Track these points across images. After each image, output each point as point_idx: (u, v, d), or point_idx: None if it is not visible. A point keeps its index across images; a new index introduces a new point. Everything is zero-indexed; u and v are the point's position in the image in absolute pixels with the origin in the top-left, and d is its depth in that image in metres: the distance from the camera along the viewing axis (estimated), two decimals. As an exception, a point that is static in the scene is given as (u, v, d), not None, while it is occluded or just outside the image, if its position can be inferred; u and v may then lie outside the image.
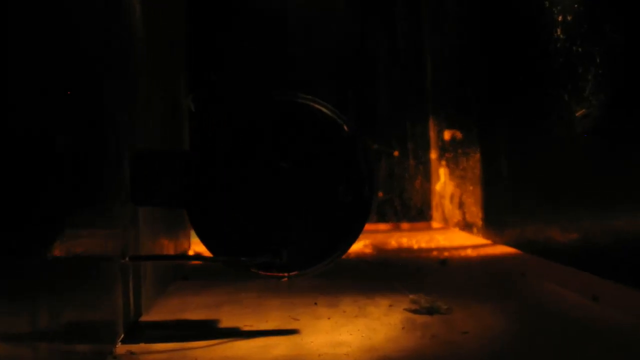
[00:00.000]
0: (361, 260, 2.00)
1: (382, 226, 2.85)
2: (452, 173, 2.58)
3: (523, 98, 1.77)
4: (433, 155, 2.82)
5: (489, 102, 2.11)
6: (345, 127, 1.14)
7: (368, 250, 2.19)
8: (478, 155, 2.23)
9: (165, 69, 1.80)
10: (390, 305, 1.34)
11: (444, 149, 2.66)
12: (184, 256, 1.17)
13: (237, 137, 1.13)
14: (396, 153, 2.88)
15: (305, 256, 1.15)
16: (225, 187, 1.13)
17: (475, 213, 2.31)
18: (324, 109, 1.14)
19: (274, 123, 1.13)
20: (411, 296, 1.34)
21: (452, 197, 2.59)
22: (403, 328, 1.18)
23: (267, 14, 2.80)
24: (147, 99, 1.42)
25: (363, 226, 1.17)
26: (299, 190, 1.13)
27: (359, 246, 2.22)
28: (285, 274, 1.15)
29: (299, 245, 1.14)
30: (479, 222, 2.28)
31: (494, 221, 2.17)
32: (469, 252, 2.08)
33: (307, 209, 1.14)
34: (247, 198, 1.13)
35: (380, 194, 2.86)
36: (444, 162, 2.70)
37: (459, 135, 2.43)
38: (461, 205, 2.47)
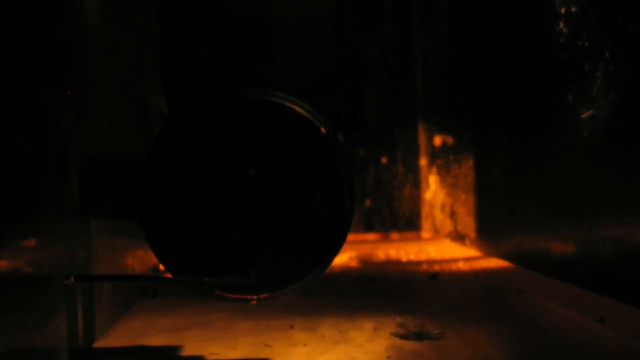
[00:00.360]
0: (345, 274, 1.86)
1: (369, 236, 2.71)
2: (443, 181, 2.45)
3: (522, 99, 1.64)
4: (423, 162, 2.69)
5: (483, 105, 1.98)
6: (323, 129, 1.00)
7: (353, 263, 2.05)
8: (471, 162, 2.10)
9: (133, 69, 1.66)
10: (375, 329, 1.21)
11: (435, 155, 2.53)
12: (139, 277, 1.03)
13: (199, 141, 0.99)
14: (384, 160, 2.74)
15: (277, 276, 1.01)
16: (185, 198, 0.99)
17: (467, 223, 2.18)
18: (298, 109, 1.00)
19: (241, 124, 1.00)
20: (398, 319, 1.21)
21: (442, 206, 2.46)
22: (389, 358, 1.04)
23: (250, 15, 2.67)
24: (105, 100, 1.28)
25: (343, 241, 1.03)
26: (270, 201, 1.00)
27: (343, 259, 2.08)
28: (254, 296, 1.01)
29: (269, 263, 1.01)
30: (472, 233, 2.15)
31: (488, 232, 2.04)
32: (461, 266, 1.95)
33: (279, 223, 1.00)
34: (210, 210, 0.99)
35: (368, 202, 2.72)
36: (434, 169, 2.57)
37: (450, 140, 2.30)
38: (452, 214, 2.34)
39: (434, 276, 1.75)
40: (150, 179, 0.99)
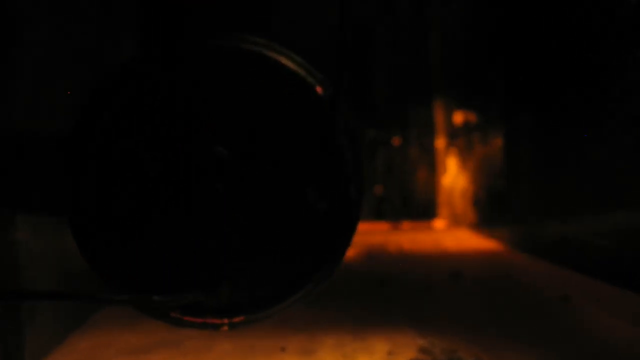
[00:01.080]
0: (352, 274, 1.59)
1: (380, 227, 2.43)
2: (464, 164, 2.16)
3: (573, 66, 1.35)
4: (440, 142, 2.40)
5: (521, 73, 1.69)
6: (319, 89, 0.72)
7: (361, 260, 1.78)
8: (500, 141, 1.80)
9: (87, 30, 1.38)
10: (390, 354, 0.93)
11: (454, 134, 2.24)
12: (67, 295, 0.78)
13: (147, 110, 0.71)
14: (396, 141, 2.45)
15: (258, 293, 0.74)
16: (130, 188, 0.71)
17: (494, 213, 1.90)
18: (285, 60, 0.72)
19: (206, 85, 0.71)
20: (420, 341, 0.93)
21: (464, 193, 2.17)
22: (410, 403, 0.77)
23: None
24: (42, 66, 1.00)
25: (348, 244, 0.75)
26: (248, 191, 0.72)
27: (349, 254, 1.80)
28: (225, 321, 0.74)
29: (248, 276, 0.73)
30: (500, 224, 1.87)
31: (520, 224, 1.75)
32: (488, 263, 1.67)
33: (261, 221, 0.72)
34: (165, 205, 0.72)
35: (378, 188, 2.44)
36: (453, 151, 2.27)
37: (473, 117, 2.01)
38: (476, 202, 2.05)
39: (457, 276, 1.47)
40: (80, 163, 0.71)
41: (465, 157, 2.15)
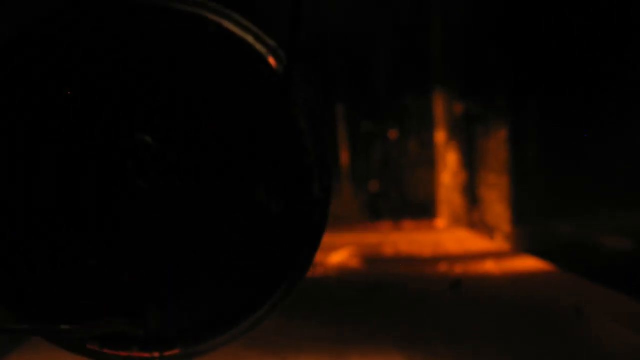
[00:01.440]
0: (341, 279, 1.43)
1: (375, 226, 2.27)
2: (465, 159, 2.00)
3: (584, 51, 1.20)
4: (440, 136, 2.24)
5: (524, 66, 1.53)
6: (271, 60, 0.56)
7: (354, 263, 1.62)
8: (504, 134, 1.64)
9: None
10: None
11: (455, 128, 2.07)
12: None
13: (50, 81, 0.56)
14: (392, 134, 2.29)
15: (197, 321, 0.58)
16: (30, 191, 0.56)
17: (496, 212, 1.74)
18: (228, 24, 0.56)
19: (128, 53, 0.56)
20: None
21: (464, 190, 2.01)
22: None
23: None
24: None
25: (313, 254, 0.59)
26: (179, 191, 0.56)
27: (341, 257, 1.65)
28: (156, 354, 0.58)
29: (181, 300, 0.58)
30: (503, 225, 1.71)
31: (524, 225, 1.59)
32: (491, 267, 1.51)
33: (196, 229, 0.57)
34: (75, 212, 0.56)
35: (374, 185, 2.28)
36: (454, 145, 2.11)
37: (475, 108, 1.85)
38: (477, 201, 1.89)
39: (456, 284, 1.32)
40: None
41: (466, 152, 1.99)
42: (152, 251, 0.57)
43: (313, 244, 0.58)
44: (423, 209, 2.32)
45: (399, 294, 1.28)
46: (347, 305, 1.21)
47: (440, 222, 2.30)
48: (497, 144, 1.71)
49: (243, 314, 0.58)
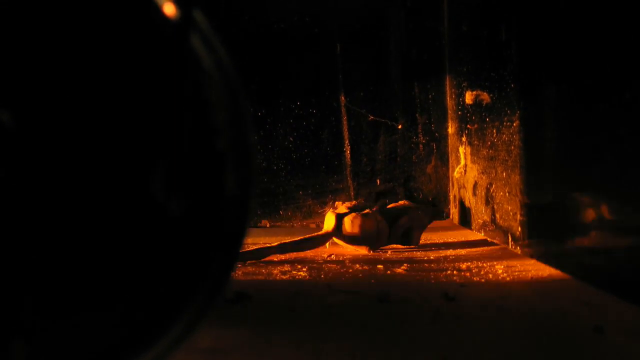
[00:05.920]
0: (336, 282, 1.28)
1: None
2: (476, 152, 1.84)
3: (599, 33, 1.03)
4: (451, 128, 2.08)
5: (537, 45, 1.37)
6: (167, 7, 0.41)
7: (356, 270, 1.47)
8: (516, 125, 1.48)
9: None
10: None
11: (466, 118, 1.91)
12: None
13: None
14: (399, 126, 2.14)
15: (76, 355, 0.44)
16: None
17: (509, 212, 1.58)
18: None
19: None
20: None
21: (475, 188, 1.85)
22: None
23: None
24: None
25: (229, 270, 0.45)
26: (46, 184, 0.42)
27: (335, 258, 1.50)
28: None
29: (55, 330, 0.43)
30: (515, 227, 1.55)
31: (539, 227, 1.43)
32: (501, 274, 1.35)
33: (70, 236, 0.43)
34: None
35: (378, 181, 2.13)
36: (465, 138, 1.95)
37: (486, 97, 1.68)
38: (489, 199, 1.73)
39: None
40: None
41: (477, 145, 1.82)
42: (11, 264, 0.42)
43: (231, 253, 0.44)
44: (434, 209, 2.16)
45: (410, 307, 1.13)
46: (347, 317, 1.06)
47: (452, 223, 2.15)
48: (508, 136, 1.54)
49: (134, 348, 0.43)
